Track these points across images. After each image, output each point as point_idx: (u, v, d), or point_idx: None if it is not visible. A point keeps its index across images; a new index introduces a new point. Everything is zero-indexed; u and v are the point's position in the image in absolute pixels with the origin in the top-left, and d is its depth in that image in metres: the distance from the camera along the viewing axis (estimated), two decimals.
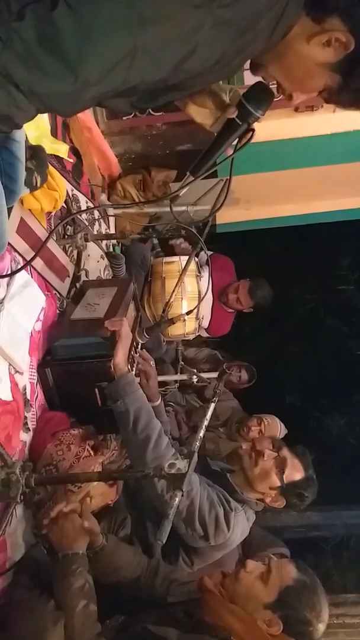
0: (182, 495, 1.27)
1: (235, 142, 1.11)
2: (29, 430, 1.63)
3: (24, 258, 1.67)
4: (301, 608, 1.31)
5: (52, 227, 1.98)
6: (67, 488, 1.50)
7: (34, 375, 1.68)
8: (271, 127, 2.81)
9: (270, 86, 1.04)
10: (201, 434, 1.50)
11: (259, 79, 1.07)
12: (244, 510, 1.77)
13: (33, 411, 1.66)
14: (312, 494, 1.82)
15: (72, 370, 1.72)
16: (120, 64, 0.77)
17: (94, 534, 1.41)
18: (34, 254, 1.71)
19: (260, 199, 3.53)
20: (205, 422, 1.58)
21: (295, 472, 1.79)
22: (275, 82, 1.01)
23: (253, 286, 3.32)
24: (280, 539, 3.29)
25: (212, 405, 1.66)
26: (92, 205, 2.60)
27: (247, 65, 1.12)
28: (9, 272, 1.54)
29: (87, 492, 1.52)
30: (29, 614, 1.21)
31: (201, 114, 1.10)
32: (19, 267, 1.60)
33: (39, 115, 1.90)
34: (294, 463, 1.80)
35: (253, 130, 1.08)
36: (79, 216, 2.36)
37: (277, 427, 2.89)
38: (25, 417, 1.59)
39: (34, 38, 0.73)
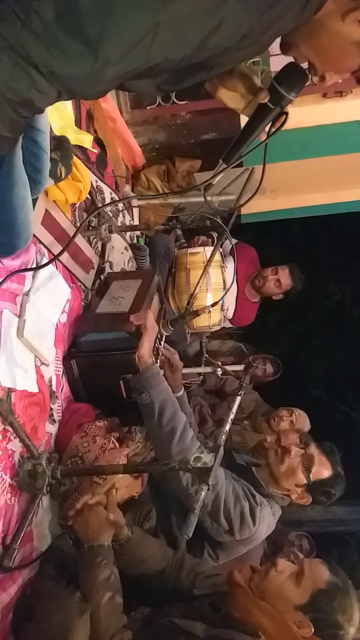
0: (208, 489, 1.25)
1: (267, 128, 1.07)
2: (55, 422, 1.63)
3: (49, 250, 1.67)
4: (333, 612, 1.28)
5: (77, 219, 1.97)
6: (92, 480, 1.51)
7: (59, 367, 1.69)
8: (299, 114, 2.75)
9: (303, 67, 1.00)
10: (227, 427, 1.49)
11: (286, 62, 1.03)
12: (270, 504, 1.75)
13: (59, 403, 1.67)
14: (339, 491, 1.78)
15: (97, 362, 1.72)
16: (142, 41, 0.74)
17: (119, 526, 1.41)
18: (58, 245, 1.72)
19: (286, 189, 3.47)
20: (232, 416, 1.56)
21: (322, 469, 1.75)
22: (307, 62, 0.97)
23: (292, 266, 3.27)
24: (306, 532, 3.29)
25: (239, 399, 1.64)
26: (116, 197, 2.59)
27: (274, 50, 1.09)
28: (35, 263, 1.54)
29: (112, 484, 1.52)
30: (56, 605, 1.21)
31: (232, 98, 1.06)
32: (44, 258, 1.60)
33: (63, 105, 1.91)
34: (321, 460, 1.76)
35: (286, 113, 1.04)
36: (104, 208, 2.35)
37: (306, 421, 2.86)
38: (51, 409, 1.60)
39: (53, 17, 0.71)
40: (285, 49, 0.97)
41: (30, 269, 1.48)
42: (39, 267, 1.51)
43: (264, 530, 1.72)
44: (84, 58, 0.74)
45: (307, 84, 1.05)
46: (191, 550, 1.71)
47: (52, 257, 1.67)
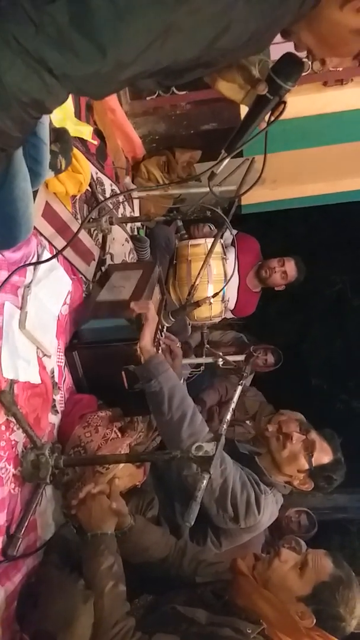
0: (211, 477, 1.27)
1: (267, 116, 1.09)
2: (58, 412, 1.65)
3: (50, 242, 1.68)
4: (335, 604, 1.29)
5: (77, 210, 1.97)
6: (95, 469, 1.52)
7: (61, 359, 1.70)
8: (299, 103, 2.73)
9: (300, 56, 1.01)
10: (228, 416, 1.50)
11: (285, 51, 1.04)
12: (273, 493, 1.76)
13: (61, 394, 1.68)
14: (340, 477, 1.80)
15: (99, 353, 1.73)
16: (154, 43, 0.76)
17: (121, 515, 1.43)
18: (59, 237, 1.72)
19: (287, 178, 3.45)
20: (233, 405, 1.57)
21: (323, 455, 1.77)
22: (306, 49, 0.98)
23: (297, 259, 3.27)
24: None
25: (240, 388, 1.65)
26: (116, 188, 2.59)
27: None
28: (36, 255, 1.54)
29: (114, 473, 1.53)
30: (60, 593, 1.23)
31: (231, 89, 1.08)
32: (45, 250, 1.61)
33: None
34: (322, 446, 1.78)
35: (285, 102, 1.05)
36: (103, 199, 2.35)
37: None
38: (54, 400, 1.61)
39: (67, 20, 0.72)
40: (285, 35, 0.98)
41: (34, 264, 1.49)
42: (42, 261, 1.52)
43: (267, 518, 1.74)
44: (97, 61, 0.75)
45: (307, 73, 1.06)
46: (194, 537, 1.73)
47: (54, 249, 1.68)
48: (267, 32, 0.88)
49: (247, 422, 3.09)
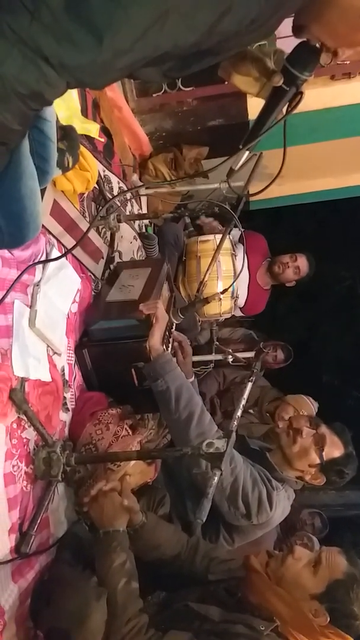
0: (222, 474, 1.26)
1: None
2: (68, 410, 1.65)
3: (58, 240, 1.68)
4: (349, 602, 1.28)
5: (85, 208, 1.97)
6: (106, 466, 1.52)
7: (71, 357, 1.70)
8: (306, 96, 2.70)
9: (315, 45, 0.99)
10: (239, 412, 1.50)
11: (293, 44, 1.02)
12: (285, 488, 1.76)
13: (72, 391, 1.68)
14: (352, 471, 1.79)
15: (109, 351, 1.73)
16: (152, 28, 0.74)
17: (133, 512, 1.43)
18: (68, 235, 1.72)
19: (295, 174, 3.42)
20: (243, 402, 1.57)
21: (334, 449, 1.77)
22: (319, 42, 0.96)
23: (310, 256, 3.26)
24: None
25: (250, 385, 1.64)
26: (123, 186, 2.59)
27: (280, 33, 1.07)
28: (44, 254, 1.55)
29: (126, 470, 1.53)
30: (73, 590, 1.23)
31: (246, 82, 1.06)
32: (54, 248, 1.61)
33: (69, 94, 1.90)
34: (333, 440, 1.77)
35: (302, 93, 1.03)
36: (111, 197, 2.35)
37: (309, 406, 2.86)
38: (64, 398, 1.62)
39: (62, 8, 0.71)
40: (296, 32, 0.96)
41: (43, 262, 1.49)
42: (52, 259, 1.52)
43: (280, 514, 1.74)
44: (94, 48, 0.74)
45: (316, 66, 1.04)
46: (207, 534, 1.73)
47: (62, 247, 1.68)
48: (273, 17, 0.85)
49: (250, 410, 3.06)
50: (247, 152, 1.24)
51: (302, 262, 3.23)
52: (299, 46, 0.99)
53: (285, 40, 1.11)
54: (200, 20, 0.77)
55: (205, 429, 1.58)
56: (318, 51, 0.98)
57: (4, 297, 1.31)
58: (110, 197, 2.26)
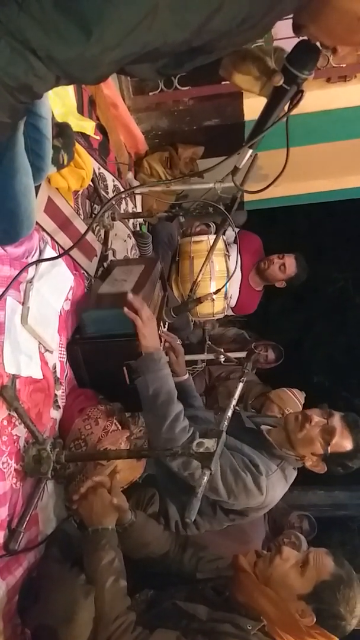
0: (211, 474, 1.27)
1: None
2: (59, 408, 1.65)
3: (52, 237, 1.67)
4: (336, 603, 1.29)
5: (79, 206, 1.97)
6: (96, 462, 1.53)
7: (63, 354, 1.70)
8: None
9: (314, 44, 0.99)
10: (229, 413, 1.50)
11: (291, 46, 1.02)
12: (281, 468, 1.72)
13: (63, 389, 1.68)
14: (357, 465, 1.74)
15: (101, 348, 1.73)
16: (141, 24, 0.74)
17: (122, 510, 1.43)
18: (62, 233, 1.72)
19: (290, 175, 3.41)
20: (234, 402, 1.57)
21: (343, 441, 1.69)
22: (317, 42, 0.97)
23: (298, 256, 3.27)
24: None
25: (241, 385, 1.64)
26: (118, 184, 2.58)
27: (277, 34, 1.08)
28: (38, 251, 1.54)
29: (116, 465, 1.54)
30: (61, 587, 1.23)
31: (247, 81, 1.06)
32: (47, 246, 1.61)
33: (65, 91, 1.89)
34: (343, 433, 1.70)
35: (302, 91, 1.04)
36: (105, 195, 2.34)
37: (294, 402, 2.89)
38: (56, 395, 1.62)
39: None
40: (295, 31, 0.97)
41: (40, 261, 1.49)
42: (50, 258, 1.52)
43: (277, 496, 1.72)
44: (81, 41, 0.73)
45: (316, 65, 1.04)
46: (204, 512, 1.73)
47: (56, 245, 1.68)
48: (266, 17, 0.85)
49: (236, 407, 3.08)
50: (251, 151, 1.25)
51: (289, 260, 3.23)
52: (299, 45, 1.00)
53: (285, 41, 1.11)
54: (190, 18, 0.77)
55: (174, 436, 1.57)
56: (318, 50, 0.99)
57: (2, 295, 1.31)
58: (105, 195, 2.26)
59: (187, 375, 2.05)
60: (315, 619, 1.29)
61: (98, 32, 0.72)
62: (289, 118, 1.11)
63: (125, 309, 1.63)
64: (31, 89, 0.79)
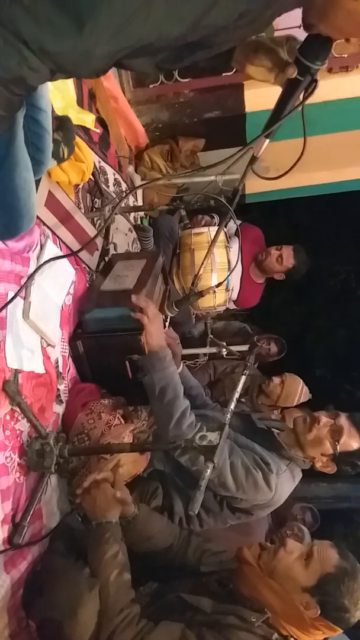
0: (214, 467, 1.27)
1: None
2: (62, 402, 1.65)
3: (52, 231, 1.67)
4: (340, 595, 1.29)
5: (80, 200, 1.96)
6: (99, 456, 1.53)
7: (65, 348, 1.70)
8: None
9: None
10: (232, 406, 1.50)
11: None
12: (290, 468, 1.75)
13: (65, 383, 1.68)
14: None
15: (103, 343, 1.73)
16: (135, 18, 0.73)
17: (126, 504, 1.44)
18: (62, 227, 1.71)
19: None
20: (236, 395, 1.57)
21: (351, 440, 1.71)
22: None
23: (297, 248, 3.26)
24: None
25: (244, 378, 1.64)
26: (119, 177, 2.57)
27: (278, 25, 1.06)
28: (39, 245, 1.54)
29: (119, 459, 1.54)
30: (65, 581, 1.24)
31: (260, 72, 1.06)
32: (48, 240, 1.60)
33: (65, 84, 1.88)
34: (350, 432, 1.72)
35: (316, 80, 1.03)
36: (106, 189, 2.33)
37: (297, 387, 2.92)
38: (58, 390, 1.62)
39: None
40: (306, 28, 0.96)
41: (46, 262, 1.49)
42: (54, 258, 1.51)
43: (284, 495, 1.74)
44: (74, 35, 0.72)
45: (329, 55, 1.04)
46: (209, 511, 1.75)
47: (57, 239, 1.67)
48: (265, 11, 0.85)
49: (242, 399, 3.08)
50: (267, 140, 1.24)
51: (286, 252, 3.21)
52: (310, 36, 0.99)
53: (286, 32, 1.10)
54: (186, 13, 0.76)
55: (182, 432, 1.59)
56: (330, 40, 0.98)
57: (10, 301, 1.31)
58: (106, 188, 2.25)
59: (182, 367, 2.05)
60: (319, 611, 1.29)
61: (91, 24, 0.71)
62: (303, 107, 1.11)
63: (135, 313, 1.66)
64: (25, 82, 0.78)
